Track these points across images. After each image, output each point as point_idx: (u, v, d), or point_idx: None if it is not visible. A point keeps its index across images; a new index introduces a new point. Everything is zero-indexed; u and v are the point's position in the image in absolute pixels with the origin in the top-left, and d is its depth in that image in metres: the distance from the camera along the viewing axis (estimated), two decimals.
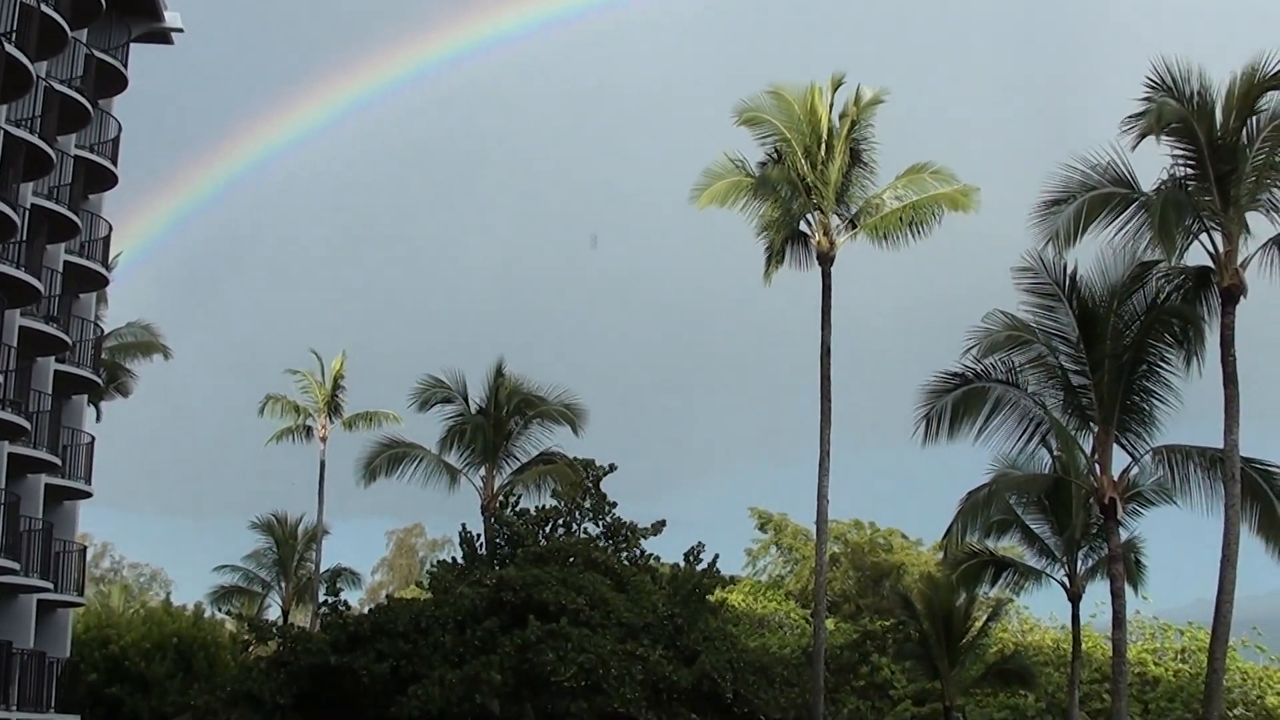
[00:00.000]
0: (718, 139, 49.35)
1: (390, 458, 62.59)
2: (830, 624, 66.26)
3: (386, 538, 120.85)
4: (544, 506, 57.03)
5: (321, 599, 56.89)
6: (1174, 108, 36.57)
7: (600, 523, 56.70)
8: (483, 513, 59.33)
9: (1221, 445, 37.38)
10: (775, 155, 49.34)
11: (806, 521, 67.40)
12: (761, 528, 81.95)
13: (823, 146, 48.74)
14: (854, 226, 49.42)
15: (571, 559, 51.79)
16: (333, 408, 75.57)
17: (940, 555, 58.09)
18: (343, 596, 54.20)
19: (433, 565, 67.51)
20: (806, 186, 48.48)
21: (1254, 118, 36.95)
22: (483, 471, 61.22)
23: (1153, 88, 36.85)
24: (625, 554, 55.19)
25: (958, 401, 40.94)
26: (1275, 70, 36.22)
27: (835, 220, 49.14)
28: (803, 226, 49.39)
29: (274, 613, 78.30)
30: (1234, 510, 36.81)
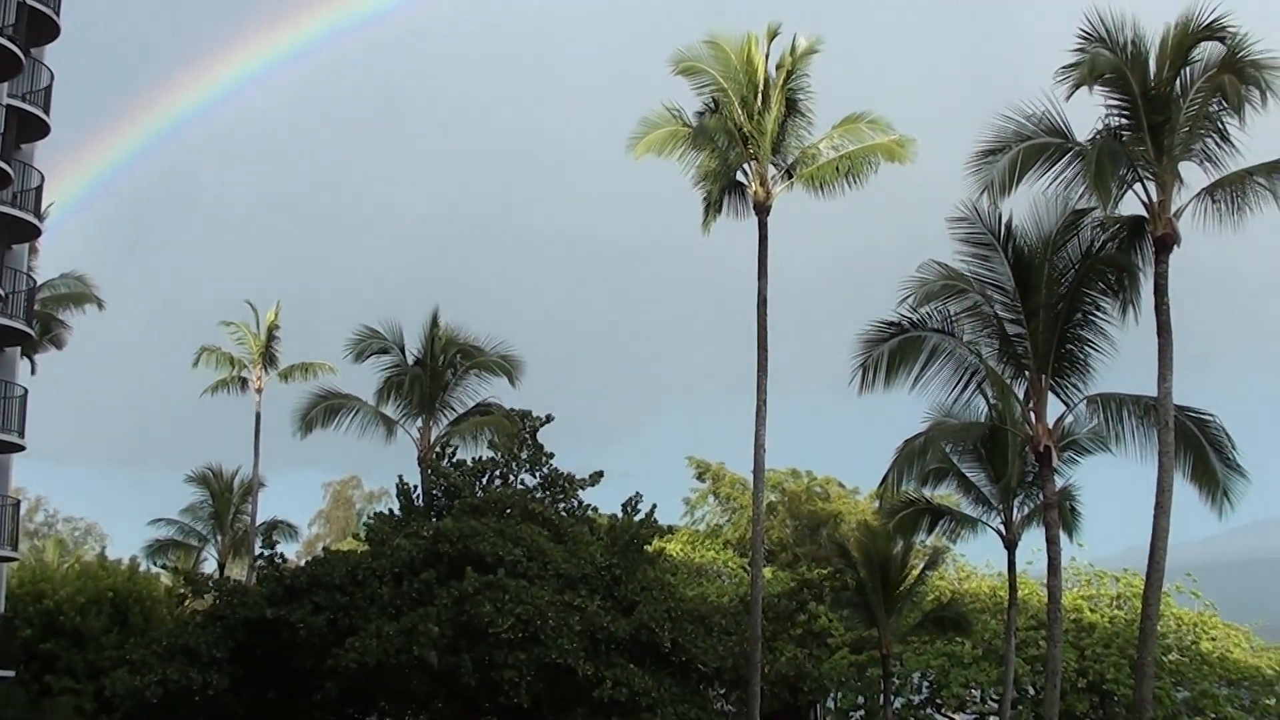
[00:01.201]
0: (655, 88, 49.18)
1: (326, 409, 62.42)
2: (768, 573, 66.48)
3: (323, 490, 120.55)
4: (481, 458, 56.97)
5: (258, 552, 56.72)
6: (1108, 58, 36.73)
7: (537, 474, 56.67)
8: (419, 464, 59.23)
9: (1155, 393, 37.65)
10: (712, 105, 49.17)
11: (744, 471, 67.43)
12: (699, 477, 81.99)
13: (759, 96, 48.61)
14: (790, 176, 49.33)
15: (509, 510, 51.80)
16: (268, 359, 75.27)
17: (877, 504, 58.26)
18: (279, 549, 54.10)
19: (369, 517, 67.41)
20: (743, 136, 48.36)
21: (1187, 68, 37.14)
22: (419, 423, 61.16)
23: (1086, 38, 37.01)
24: (563, 505, 55.21)
25: (894, 350, 41.09)
26: (1209, 21, 36.38)
27: (772, 170, 49.04)
28: (740, 176, 49.25)
29: (210, 566, 78.03)
30: (1167, 458, 37.09)
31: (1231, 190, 37.52)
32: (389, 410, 61.57)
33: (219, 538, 78.70)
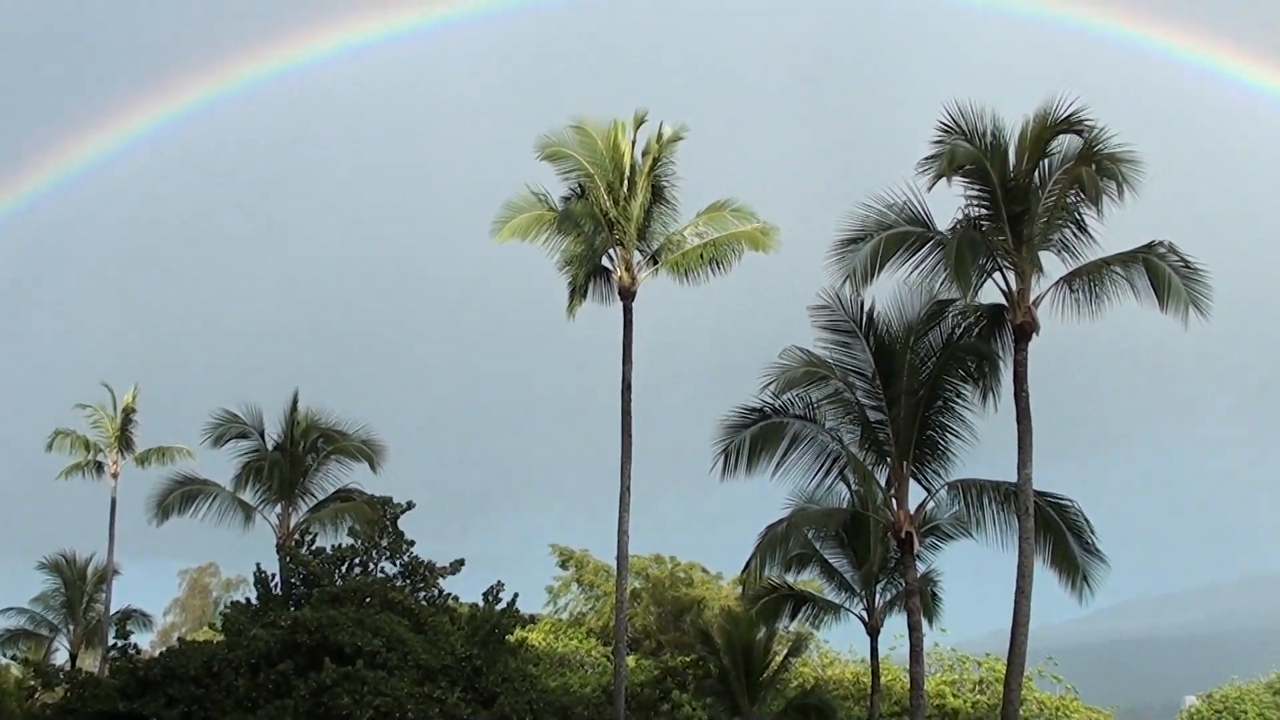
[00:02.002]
0: (522, 171, 49.27)
1: (183, 495, 61.45)
2: (631, 661, 66.18)
3: (179, 578, 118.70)
4: (341, 545, 56.19)
5: (111, 642, 55.59)
6: (967, 150, 37.28)
7: (398, 562, 56.02)
8: (278, 551, 58.41)
9: (1015, 479, 38.02)
10: (578, 190, 49.26)
11: (608, 557, 67.32)
12: (562, 564, 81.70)
13: (625, 182, 48.76)
14: (656, 262, 49.48)
15: (368, 599, 51.11)
16: (124, 443, 74.09)
17: (740, 590, 58.27)
18: (133, 639, 52.79)
19: (226, 606, 66.32)
20: (609, 222, 48.46)
21: (1045, 160, 37.83)
22: (278, 509, 60.40)
23: (947, 130, 37.53)
24: (423, 594, 54.57)
25: (756, 437, 41.20)
26: (1066, 114, 37.12)
27: (637, 256, 49.15)
28: (605, 261, 49.31)
29: (62, 657, 76.53)
30: (1027, 543, 37.45)
31: (1089, 279, 38.17)
32: (248, 496, 60.75)
33: (71, 627, 77.24)
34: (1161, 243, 37.72)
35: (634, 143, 49.16)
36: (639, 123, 49.19)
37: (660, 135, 49.10)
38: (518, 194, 49.44)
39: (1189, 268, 37.45)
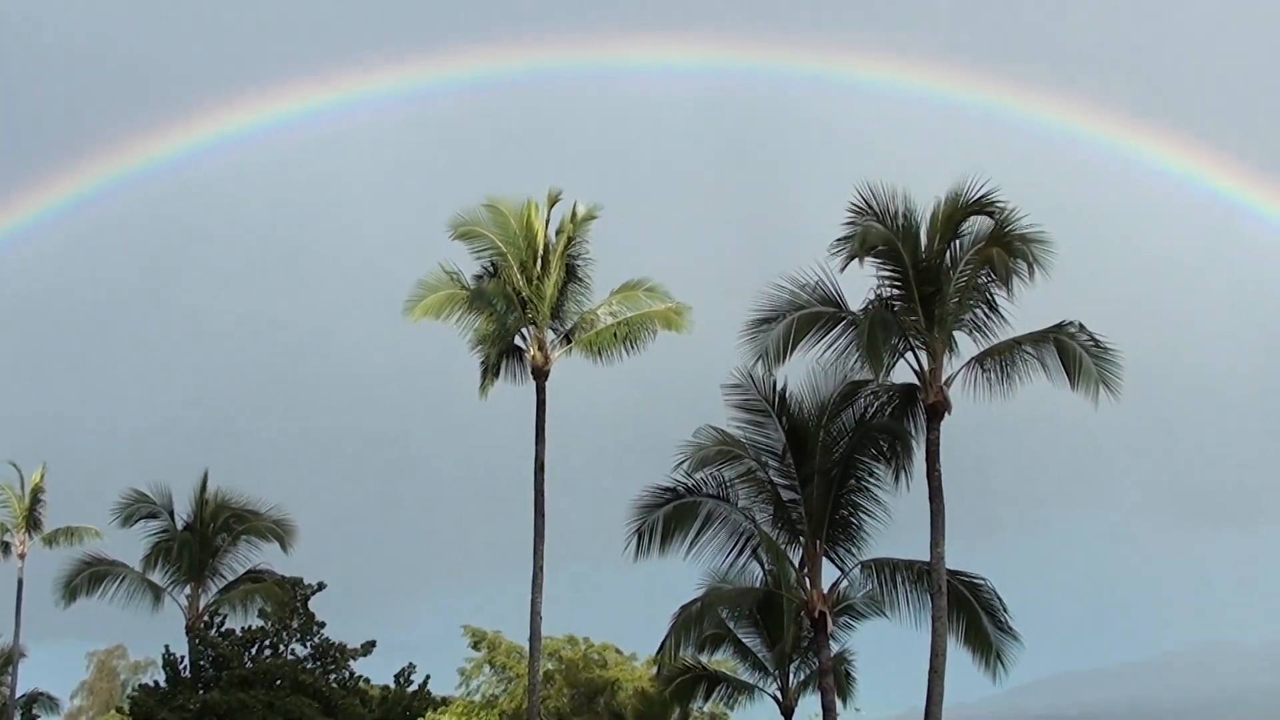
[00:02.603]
0: (434, 251, 49.25)
1: (91, 575, 60.66)
2: None
3: (87, 660, 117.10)
4: (251, 627, 55.77)
5: None
6: (879, 231, 37.51)
7: (309, 643, 55.63)
8: (187, 633, 57.77)
9: (928, 558, 38.10)
10: (491, 269, 49.21)
11: (521, 639, 66.90)
12: (475, 646, 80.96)
13: (538, 262, 48.76)
14: (569, 341, 49.47)
15: (279, 681, 50.74)
16: (31, 523, 73.18)
17: (655, 670, 58.05)
18: None
19: (134, 689, 65.54)
20: (522, 301, 48.42)
21: (957, 241, 38.08)
22: (188, 590, 59.70)
23: (858, 211, 37.78)
24: (334, 676, 54.22)
25: (669, 516, 41.15)
26: (978, 196, 37.42)
27: (550, 335, 49.13)
28: (518, 340, 49.24)
29: None
30: (941, 622, 37.47)
31: (1001, 359, 38.40)
32: (157, 577, 59.99)
33: None
34: (1072, 323, 38.02)
35: (548, 221, 49.21)
36: (553, 202, 49.26)
37: (574, 214, 49.18)
38: (431, 273, 49.36)
39: (1099, 347, 37.75)
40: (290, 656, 54.76)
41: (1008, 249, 37.38)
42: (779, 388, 40.35)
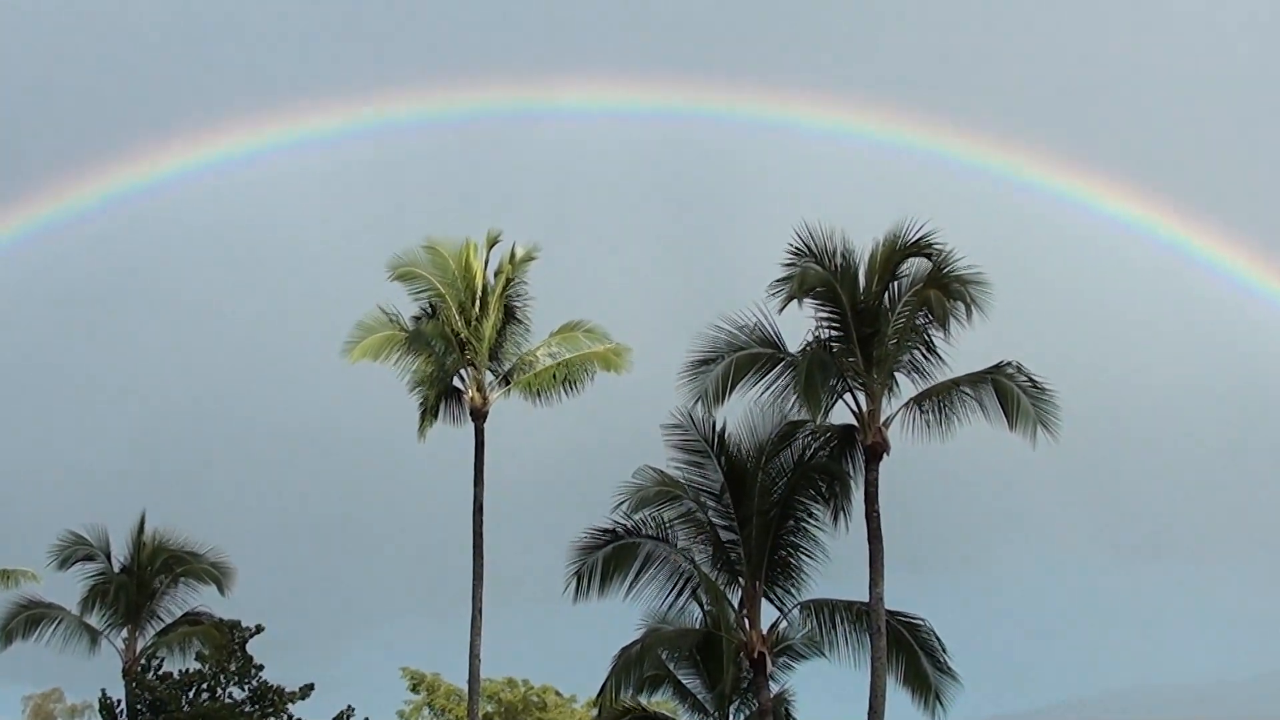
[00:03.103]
0: (373, 292, 49.30)
1: (27, 619, 60.05)
2: None
3: (22, 704, 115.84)
4: (188, 670, 55.37)
5: None
6: (817, 272, 37.73)
7: (246, 686, 55.26)
8: (124, 677, 57.32)
9: (867, 599, 38.20)
10: (430, 310, 49.21)
11: (459, 680, 66.67)
12: (414, 688, 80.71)
13: (477, 303, 48.82)
14: (508, 383, 49.48)
15: None
16: None
17: (594, 713, 57.91)
18: None
19: None
20: (460, 342, 48.44)
21: (895, 282, 38.34)
22: (125, 633, 59.26)
23: (797, 253, 37.97)
24: (272, 719, 53.88)
25: (608, 557, 41.07)
26: (916, 238, 37.72)
27: (489, 376, 49.17)
28: (456, 382, 49.22)
29: None
30: (880, 662, 37.62)
31: (939, 400, 38.64)
32: (94, 620, 59.47)
33: None
34: (1010, 363, 38.28)
35: (486, 263, 49.31)
36: (492, 243, 49.35)
37: (513, 255, 49.28)
38: (369, 315, 49.31)
39: (1037, 388, 38.02)
40: (228, 700, 54.39)
41: (946, 291, 37.64)
42: (718, 428, 40.39)
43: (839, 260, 38.26)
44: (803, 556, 41.02)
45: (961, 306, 37.93)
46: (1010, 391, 37.68)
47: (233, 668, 55.41)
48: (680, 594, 41.63)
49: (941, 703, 40.56)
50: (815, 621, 41.37)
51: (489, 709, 74.76)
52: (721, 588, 40.90)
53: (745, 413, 39.94)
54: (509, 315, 49.62)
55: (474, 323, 48.57)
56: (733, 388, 38.11)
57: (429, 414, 48.93)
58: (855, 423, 38.53)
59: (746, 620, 40.53)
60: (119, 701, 54.01)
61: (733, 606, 40.92)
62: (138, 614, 59.11)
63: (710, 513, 40.87)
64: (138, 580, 59.22)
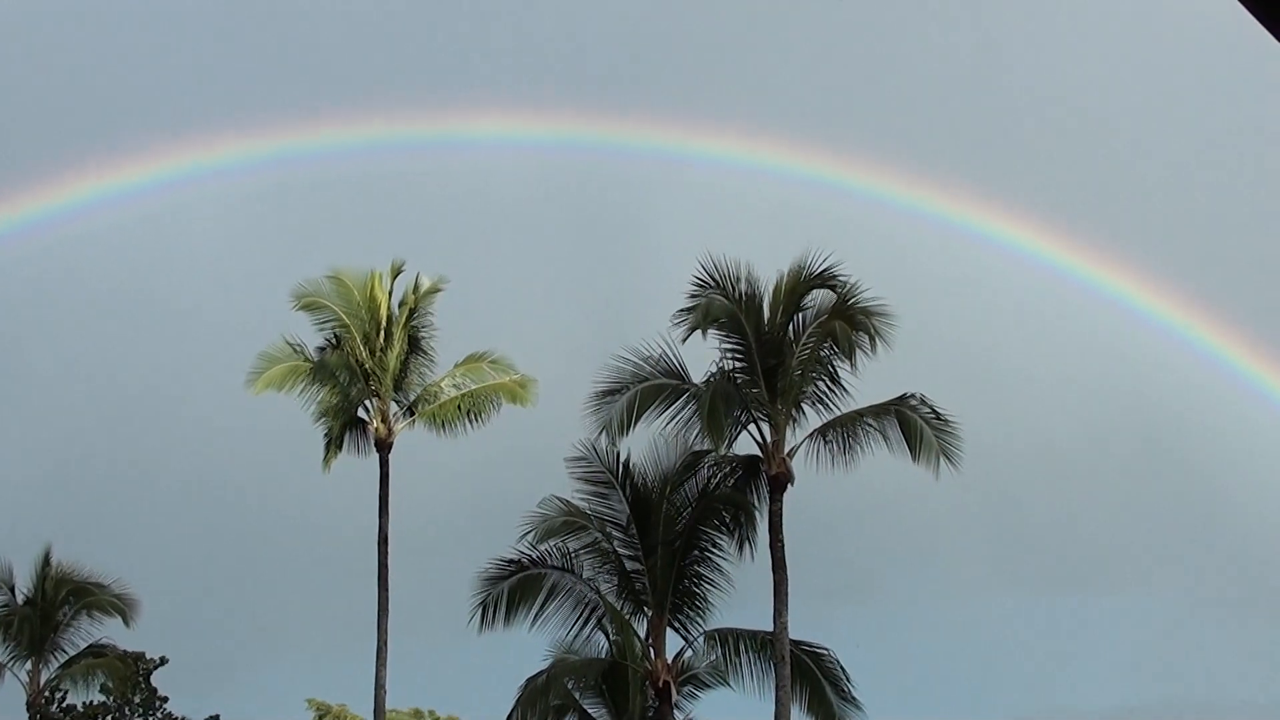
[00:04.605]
0: (277, 323, 49.12)
1: None
2: None
3: None
4: (93, 702, 54.92)
5: None
6: (722, 303, 37.91)
7: (151, 718, 54.86)
8: (28, 709, 56.74)
9: (772, 628, 38.35)
10: (334, 340, 49.03)
11: (366, 712, 66.20)
12: (320, 719, 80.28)
13: (381, 333, 48.70)
14: (413, 413, 49.37)
15: None
16: None
17: None
18: None
19: None
20: (365, 372, 48.30)
21: (800, 314, 38.58)
22: (29, 665, 58.69)
23: (702, 285, 38.14)
24: None
25: (514, 588, 41.04)
26: (820, 270, 38.00)
27: (394, 407, 49.04)
28: (361, 413, 49.07)
29: None
30: (784, 691, 37.75)
31: (843, 430, 38.87)
32: None
33: None
34: (914, 395, 38.60)
35: (391, 293, 49.22)
36: (396, 273, 49.27)
37: (417, 286, 49.22)
38: (273, 345, 49.05)
39: (940, 419, 38.34)
40: None
41: (850, 322, 37.90)
42: (623, 459, 40.46)
43: (743, 291, 38.48)
44: (707, 586, 41.12)
45: (866, 338, 38.19)
46: (913, 423, 37.98)
47: (137, 700, 55.04)
48: (586, 624, 41.64)
49: None
50: (720, 651, 41.45)
51: None
52: (627, 617, 40.94)
53: (650, 443, 40.07)
54: (414, 346, 49.53)
55: (378, 353, 48.46)
56: (637, 418, 38.23)
57: (334, 445, 48.74)
58: (760, 453, 38.69)
59: (652, 650, 40.58)
60: None
61: (638, 636, 40.95)
62: (42, 646, 58.54)
63: (616, 543, 40.94)
64: (42, 612, 58.65)
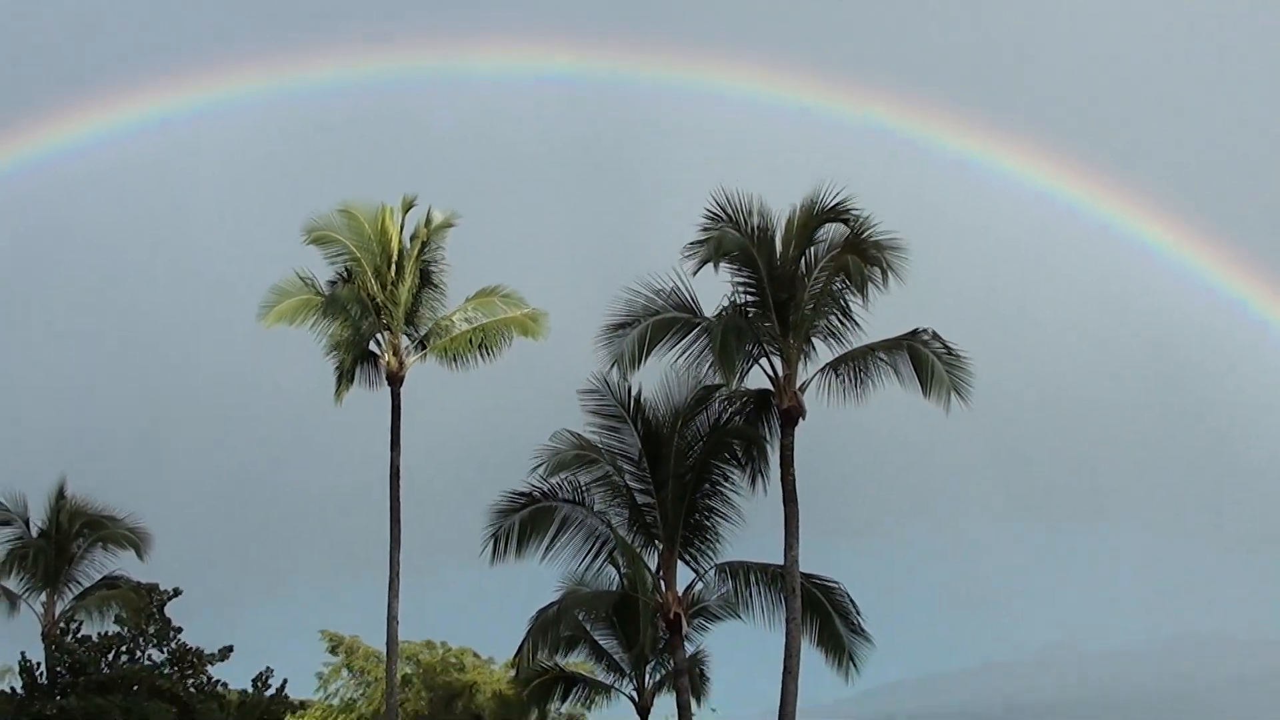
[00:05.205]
0: (288, 258, 49.09)
1: None
2: None
3: None
4: (107, 633, 55.13)
5: None
6: (734, 237, 37.88)
7: (165, 649, 55.08)
8: (43, 640, 57.10)
9: (782, 561, 38.54)
10: (345, 274, 49.04)
11: (378, 643, 66.69)
12: (333, 650, 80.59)
13: (393, 267, 48.70)
14: (424, 347, 49.43)
15: (135, 687, 50.23)
16: None
17: (512, 673, 58.16)
18: None
19: None
20: (376, 306, 48.33)
21: (812, 248, 38.53)
22: (43, 597, 59.06)
23: (714, 218, 38.10)
24: (191, 681, 53.68)
25: (525, 521, 41.32)
26: (833, 204, 37.88)
27: (405, 341, 49.08)
28: (373, 347, 49.12)
29: None
30: (794, 624, 37.96)
31: (855, 365, 38.95)
32: (11, 584, 59.26)
33: None
34: (925, 330, 38.58)
35: (402, 227, 49.16)
36: (407, 207, 49.22)
37: (429, 220, 49.16)
38: (285, 279, 49.07)
39: (951, 354, 38.35)
40: (147, 662, 54.19)
41: (863, 256, 37.87)
42: (634, 393, 40.62)
43: (756, 225, 38.43)
44: (718, 520, 41.38)
45: (878, 272, 38.16)
46: (925, 358, 38.01)
47: (151, 630, 55.21)
48: (597, 557, 41.95)
49: (855, 664, 41.03)
50: (731, 584, 41.75)
51: (407, 670, 74.77)
52: (638, 550, 41.20)
53: (661, 378, 40.24)
54: (425, 280, 49.53)
55: (390, 287, 48.48)
56: (648, 352, 38.26)
57: (345, 378, 48.81)
58: (771, 388, 38.78)
59: (663, 582, 40.86)
60: (38, 664, 53.75)
61: (649, 569, 41.22)
62: (56, 578, 58.96)
63: (627, 477, 41.15)
64: (56, 544, 59.07)
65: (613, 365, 38.76)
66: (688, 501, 40.58)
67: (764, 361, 38.75)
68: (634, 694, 48.96)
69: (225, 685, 53.95)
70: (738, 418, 40.27)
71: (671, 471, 40.34)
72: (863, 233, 37.96)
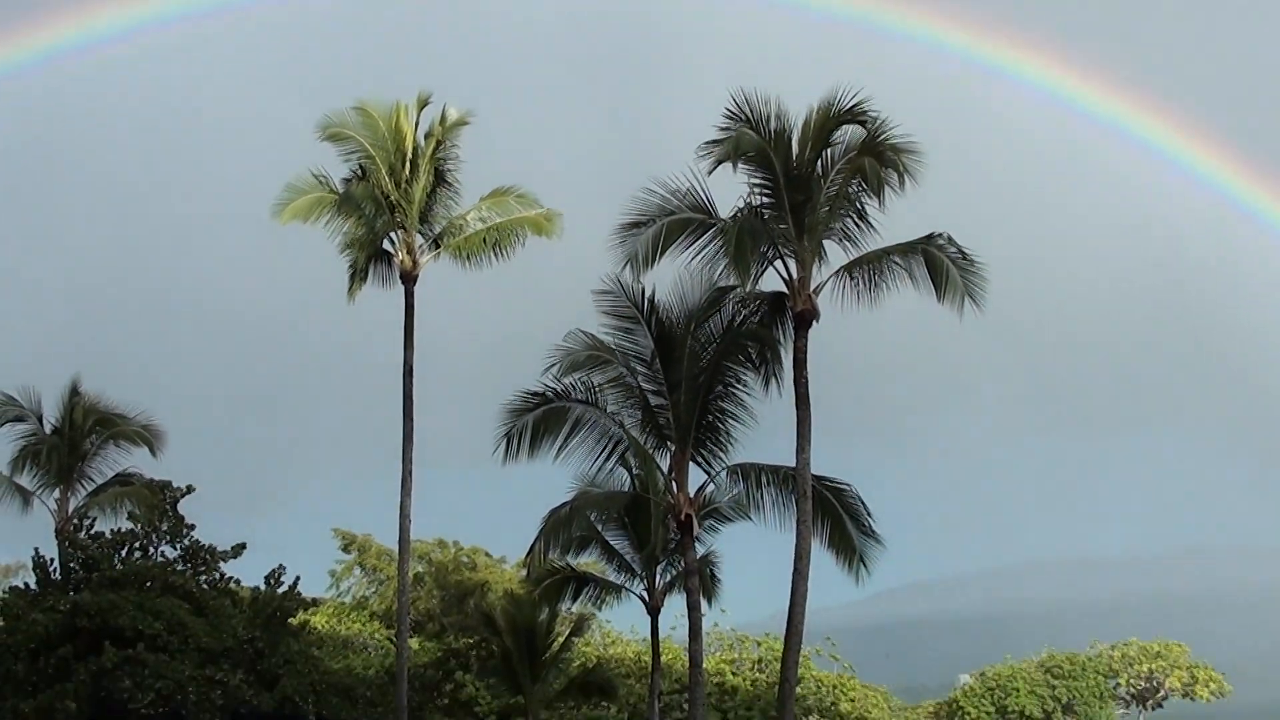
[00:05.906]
0: (302, 156, 48.91)
1: None
2: (415, 643, 66.04)
3: None
4: (120, 529, 55.35)
5: None
6: (751, 137, 37.70)
7: (178, 545, 55.26)
8: (57, 536, 57.30)
9: (794, 463, 38.60)
10: (360, 172, 48.89)
11: (390, 541, 67.14)
12: (345, 548, 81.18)
13: (407, 165, 48.51)
14: (438, 246, 49.33)
15: (148, 583, 50.45)
16: None
17: (524, 573, 58.49)
18: None
19: (4, 591, 65.08)
20: (390, 204, 48.18)
21: (829, 150, 38.36)
22: (57, 493, 59.32)
23: (732, 118, 37.89)
24: (204, 577, 53.93)
25: (538, 420, 41.41)
26: (850, 105, 37.68)
27: (419, 239, 48.95)
28: (387, 245, 49.02)
29: None
30: (805, 525, 38.08)
31: (869, 269, 38.87)
32: (25, 480, 59.54)
33: None
34: (940, 234, 38.48)
35: (417, 125, 48.89)
36: (422, 105, 48.94)
37: (444, 118, 48.90)
38: (299, 176, 48.93)
39: (966, 260, 38.27)
40: (160, 558, 54.44)
41: (879, 158, 37.71)
42: (648, 294, 40.61)
43: (773, 126, 38.21)
44: (730, 422, 41.47)
45: (894, 175, 38.00)
46: (940, 263, 37.93)
47: (164, 527, 55.41)
48: (609, 457, 42.08)
49: (865, 565, 41.21)
50: (742, 485, 41.90)
51: (420, 569, 75.30)
52: (650, 451, 41.31)
53: (675, 279, 40.18)
54: (439, 178, 49.33)
55: (404, 185, 48.31)
56: (663, 252, 38.18)
57: (358, 276, 48.74)
58: (785, 290, 38.71)
59: (674, 483, 40.97)
60: (52, 560, 54.01)
61: (661, 470, 41.33)
62: (69, 475, 59.24)
63: (640, 378, 41.21)
64: (69, 441, 59.30)
65: (626, 265, 38.66)
66: (700, 403, 40.63)
67: (778, 264, 38.67)
68: (644, 594, 49.22)
69: (238, 582, 54.23)
70: (751, 320, 40.26)
71: (684, 373, 40.39)
72: (879, 135, 37.77)
